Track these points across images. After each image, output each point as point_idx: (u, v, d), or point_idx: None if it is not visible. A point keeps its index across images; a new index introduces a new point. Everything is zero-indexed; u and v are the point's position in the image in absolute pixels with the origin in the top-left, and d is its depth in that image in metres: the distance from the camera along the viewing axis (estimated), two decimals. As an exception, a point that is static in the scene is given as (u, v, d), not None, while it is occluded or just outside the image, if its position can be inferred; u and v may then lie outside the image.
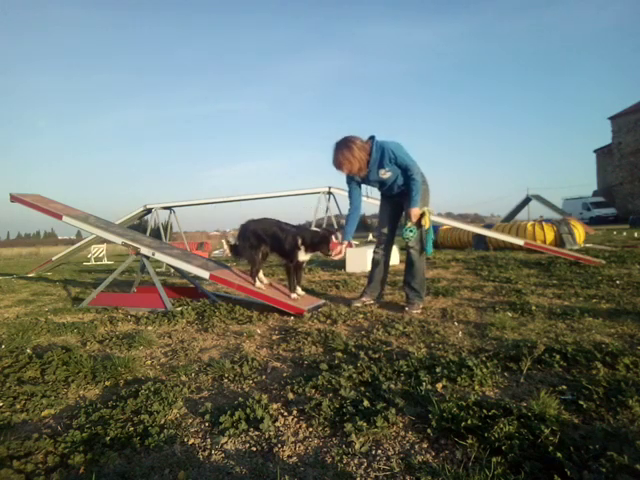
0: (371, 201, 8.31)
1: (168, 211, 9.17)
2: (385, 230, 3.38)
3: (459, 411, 1.34)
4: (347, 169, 3.02)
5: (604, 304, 3.00)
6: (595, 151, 36.80)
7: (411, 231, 3.05)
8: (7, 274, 8.24)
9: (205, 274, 3.44)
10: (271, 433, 1.34)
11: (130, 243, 3.73)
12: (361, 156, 2.96)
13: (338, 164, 3.02)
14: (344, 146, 2.95)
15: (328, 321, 2.85)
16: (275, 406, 1.52)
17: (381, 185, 3.21)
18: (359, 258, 6.06)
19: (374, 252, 3.44)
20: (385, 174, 3.04)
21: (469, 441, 1.20)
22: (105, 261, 14.51)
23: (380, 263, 3.40)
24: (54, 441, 1.29)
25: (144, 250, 3.68)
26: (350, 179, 3.21)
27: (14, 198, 4.08)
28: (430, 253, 3.17)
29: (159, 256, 3.66)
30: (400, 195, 3.18)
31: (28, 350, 2.27)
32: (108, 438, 1.30)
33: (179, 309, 3.27)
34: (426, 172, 3.16)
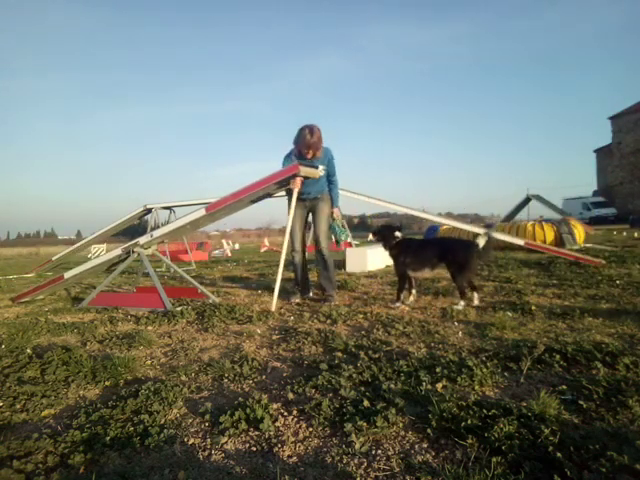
0: (373, 202, 8.30)
1: (168, 211, 9.16)
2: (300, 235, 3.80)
3: (459, 411, 1.34)
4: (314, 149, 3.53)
5: (604, 304, 3.00)
6: (595, 151, 36.79)
7: (342, 232, 3.71)
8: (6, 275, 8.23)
9: None
10: (271, 433, 1.34)
11: (127, 245, 3.74)
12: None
13: (318, 138, 3.50)
14: (318, 129, 3.52)
15: (328, 321, 2.85)
16: (275, 406, 1.52)
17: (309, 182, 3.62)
18: (359, 258, 6.05)
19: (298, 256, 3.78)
20: (322, 171, 3.57)
21: (469, 441, 1.20)
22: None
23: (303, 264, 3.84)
24: (54, 441, 1.29)
25: (142, 239, 3.68)
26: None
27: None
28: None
29: (157, 232, 3.70)
30: (313, 200, 3.70)
31: (28, 350, 2.27)
32: (108, 438, 1.30)
33: (179, 309, 3.28)
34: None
